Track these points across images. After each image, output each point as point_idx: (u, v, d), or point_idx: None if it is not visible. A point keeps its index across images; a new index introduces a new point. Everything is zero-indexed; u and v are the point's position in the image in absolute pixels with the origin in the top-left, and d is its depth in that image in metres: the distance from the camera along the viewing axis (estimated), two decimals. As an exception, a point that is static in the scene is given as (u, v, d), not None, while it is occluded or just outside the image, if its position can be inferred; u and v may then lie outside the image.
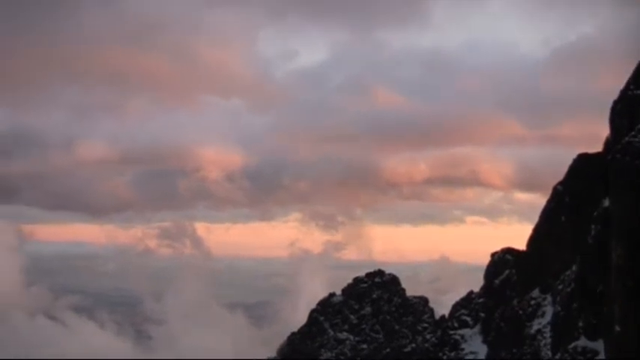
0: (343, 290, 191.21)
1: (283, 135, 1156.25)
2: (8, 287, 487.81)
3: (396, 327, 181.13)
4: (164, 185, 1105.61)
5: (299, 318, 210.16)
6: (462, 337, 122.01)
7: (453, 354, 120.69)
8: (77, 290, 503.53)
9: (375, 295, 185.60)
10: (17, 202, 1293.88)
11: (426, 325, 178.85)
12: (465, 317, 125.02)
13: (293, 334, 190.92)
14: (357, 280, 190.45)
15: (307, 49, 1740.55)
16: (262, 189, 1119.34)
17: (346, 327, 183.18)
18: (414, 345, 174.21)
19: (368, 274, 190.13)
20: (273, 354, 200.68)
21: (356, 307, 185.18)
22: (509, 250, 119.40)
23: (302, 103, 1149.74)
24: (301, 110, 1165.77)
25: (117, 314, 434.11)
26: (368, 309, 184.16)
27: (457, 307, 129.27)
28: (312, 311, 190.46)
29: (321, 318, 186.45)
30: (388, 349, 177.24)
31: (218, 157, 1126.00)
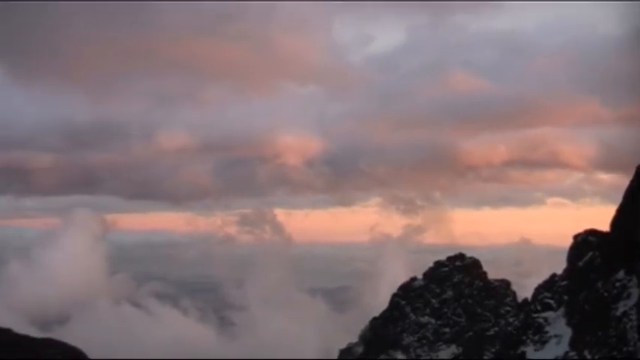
0: (424, 274, 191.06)
1: (361, 120, 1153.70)
2: (93, 276, 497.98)
3: (478, 310, 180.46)
4: (243, 172, 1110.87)
5: (380, 303, 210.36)
6: (546, 320, 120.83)
7: (536, 337, 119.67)
8: (160, 278, 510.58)
9: (457, 279, 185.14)
10: (100, 193, 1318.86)
11: (508, 308, 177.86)
12: (548, 300, 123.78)
13: (375, 318, 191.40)
14: (438, 264, 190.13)
15: (383, 35, 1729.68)
16: (341, 174, 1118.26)
17: (428, 311, 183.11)
18: (496, 328, 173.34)
19: (449, 258, 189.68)
20: (355, 339, 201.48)
21: (437, 290, 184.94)
22: (592, 232, 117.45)
23: (379, 88, 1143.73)
24: (378, 95, 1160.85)
25: (199, 301, 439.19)
26: (449, 293, 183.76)
27: (540, 289, 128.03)
28: (394, 295, 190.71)
29: (403, 302, 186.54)
30: (470, 333, 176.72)
31: (296, 143, 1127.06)
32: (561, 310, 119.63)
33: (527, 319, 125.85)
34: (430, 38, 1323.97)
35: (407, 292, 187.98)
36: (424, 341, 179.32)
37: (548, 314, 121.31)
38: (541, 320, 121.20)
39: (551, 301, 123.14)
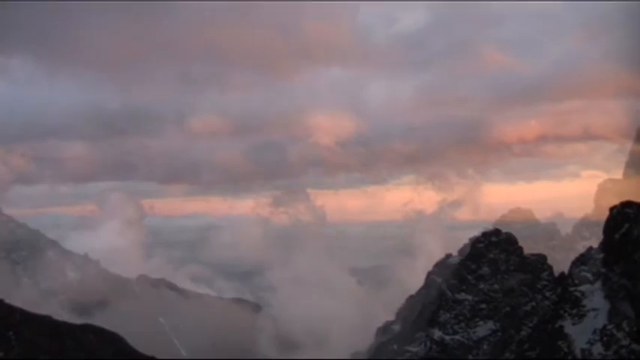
0: (460, 251, 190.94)
1: (391, 99, 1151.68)
2: (131, 260, 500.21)
3: (515, 286, 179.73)
4: (275, 154, 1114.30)
5: (416, 280, 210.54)
6: (583, 293, 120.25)
7: (574, 311, 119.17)
8: (196, 261, 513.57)
9: (492, 255, 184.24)
10: (134, 178, 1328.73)
11: (545, 282, 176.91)
12: (585, 273, 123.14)
13: (411, 296, 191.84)
14: (473, 241, 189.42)
15: (408, 15, 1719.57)
16: (374, 153, 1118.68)
17: (464, 287, 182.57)
18: (533, 303, 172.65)
19: (484, 234, 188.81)
20: (392, 317, 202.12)
21: (473, 267, 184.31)
22: (628, 204, 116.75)
23: (407, 67, 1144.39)
24: (407, 75, 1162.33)
25: (235, 282, 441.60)
26: (485, 269, 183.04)
27: (576, 263, 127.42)
28: (429, 273, 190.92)
29: (439, 280, 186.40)
30: (507, 308, 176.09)
31: (327, 123, 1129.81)
32: (598, 283, 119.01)
33: (564, 293, 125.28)
34: (454, 18, 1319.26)
35: (442, 270, 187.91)
36: (461, 318, 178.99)
37: (586, 287, 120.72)
38: (578, 294, 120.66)
39: (587, 275, 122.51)
